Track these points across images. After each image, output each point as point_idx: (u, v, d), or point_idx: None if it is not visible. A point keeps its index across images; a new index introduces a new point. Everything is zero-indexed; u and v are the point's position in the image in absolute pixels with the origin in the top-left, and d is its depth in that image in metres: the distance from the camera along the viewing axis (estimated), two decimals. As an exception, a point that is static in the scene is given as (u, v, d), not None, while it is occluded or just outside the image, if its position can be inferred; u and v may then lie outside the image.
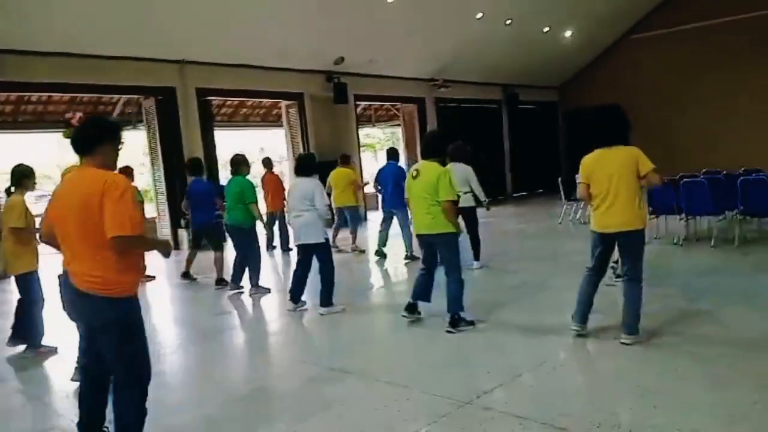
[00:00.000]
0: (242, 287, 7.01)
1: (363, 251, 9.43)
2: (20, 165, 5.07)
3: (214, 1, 9.86)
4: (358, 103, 14.81)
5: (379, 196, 9.11)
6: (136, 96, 11.80)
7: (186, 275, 7.96)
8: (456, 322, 4.86)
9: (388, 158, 8.80)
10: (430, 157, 4.96)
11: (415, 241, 6.26)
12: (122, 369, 2.89)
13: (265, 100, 15.01)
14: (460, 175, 7.10)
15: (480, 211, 7.43)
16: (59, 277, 2.92)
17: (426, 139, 5.26)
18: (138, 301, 2.94)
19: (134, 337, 2.89)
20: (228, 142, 31.53)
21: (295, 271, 5.97)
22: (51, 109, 13.75)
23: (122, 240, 2.73)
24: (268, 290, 6.92)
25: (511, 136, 18.20)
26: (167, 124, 11.00)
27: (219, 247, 7.60)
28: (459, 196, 5.70)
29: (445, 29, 13.43)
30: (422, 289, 5.14)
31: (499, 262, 7.73)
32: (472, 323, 4.91)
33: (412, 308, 5.15)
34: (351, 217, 9.40)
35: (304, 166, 5.93)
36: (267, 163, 10.22)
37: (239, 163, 6.99)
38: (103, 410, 3.13)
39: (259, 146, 25.62)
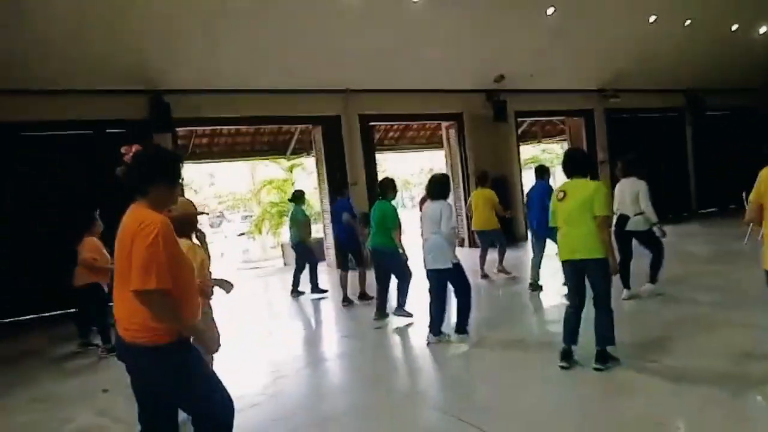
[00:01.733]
0: (387, 314, 6.96)
1: (510, 274, 8.90)
2: None
3: (375, 31, 10.31)
4: (520, 119, 14.42)
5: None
6: (305, 126, 12.74)
7: (346, 299, 8.10)
8: (605, 357, 4.41)
9: (537, 177, 8.16)
10: (577, 176, 4.57)
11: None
12: (193, 415, 2.70)
13: (429, 122, 15.25)
14: (631, 192, 6.54)
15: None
16: None
17: (570, 156, 4.72)
18: (189, 345, 2.67)
19: (191, 383, 2.62)
20: (395, 165, 32.94)
21: (430, 302, 5.75)
22: (239, 140, 15.49)
23: (143, 296, 2.44)
24: (410, 315, 6.77)
25: (696, 146, 16.35)
26: (332, 150, 11.68)
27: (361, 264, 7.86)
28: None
29: (614, 36, 12.55)
30: (576, 333, 4.61)
31: (669, 289, 6.89)
32: (617, 360, 4.46)
33: (568, 355, 4.58)
34: (497, 240, 9.01)
35: (434, 188, 5.79)
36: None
37: (385, 187, 6.99)
38: None
39: (421, 167, 26.12)
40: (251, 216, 24.90)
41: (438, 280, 5.65)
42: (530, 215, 8.07)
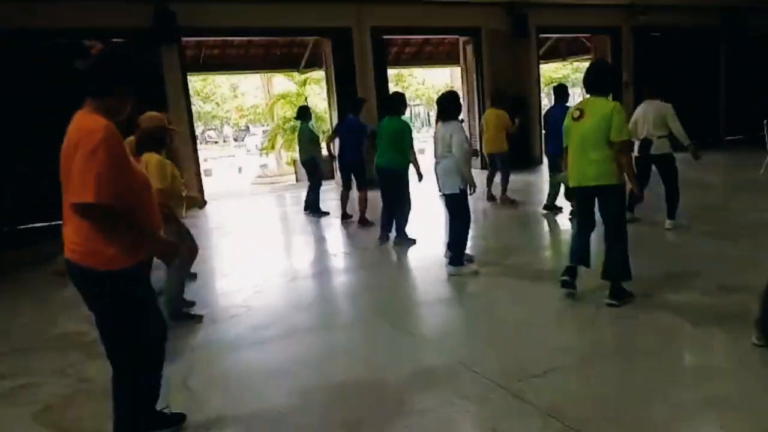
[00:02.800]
0: (388, 236, 6.84)
1: (514, 201, 8.69)
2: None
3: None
4: (543, 36, 13.73)
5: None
6: (316, 38, 12.32)
7: (345, 216, 8.22)
8: (621, 293, 4.23)
9: (556, 98, 7.82)
10: (597, 93, 4.19)
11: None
12: (110, 353, 2.58)
13: (448, 37, 14.61)
14: (655, 115, 6.27)
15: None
16: None
17: (592, 70, 4.28)
18: (137, 274, 2.47)
19: (121, 317, 2.48)
20: (413, 81, 31.96)
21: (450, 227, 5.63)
22: (252, 52, 15.13)
23: (83, 209, 2.24)
24: (414, 241, 6.63)
25: (730, 70, 15.44)
26: (342, 65, 11.33)
27: (363, 186, 7.71)
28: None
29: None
30: (584, 251, 4.40)
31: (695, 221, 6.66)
32: (632, 295, 4.28)
33: (572, 272, 4.40)
34: (502, 164, 8.71)
35: (442, 107, 5.45)
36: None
37: (398, 102, 6.69)
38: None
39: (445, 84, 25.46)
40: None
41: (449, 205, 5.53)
42: (549, 138, 7.79)
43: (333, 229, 8.08)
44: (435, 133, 5.70)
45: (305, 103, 10.51)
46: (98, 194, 2.21)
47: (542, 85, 14.64)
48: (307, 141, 8.98)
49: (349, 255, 6.65)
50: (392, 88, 31.45)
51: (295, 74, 17.12)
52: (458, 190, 5.25)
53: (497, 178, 8.85)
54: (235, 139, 41.24)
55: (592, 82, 4.20)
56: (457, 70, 14.37)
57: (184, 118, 10.24)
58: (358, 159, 7.86)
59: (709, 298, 4.32)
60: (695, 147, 6.20)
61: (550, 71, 27.05)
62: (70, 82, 2.50)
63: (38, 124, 7.75)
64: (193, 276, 5.51)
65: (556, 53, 18.25)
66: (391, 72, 26.65)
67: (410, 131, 6.63)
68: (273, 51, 15.34)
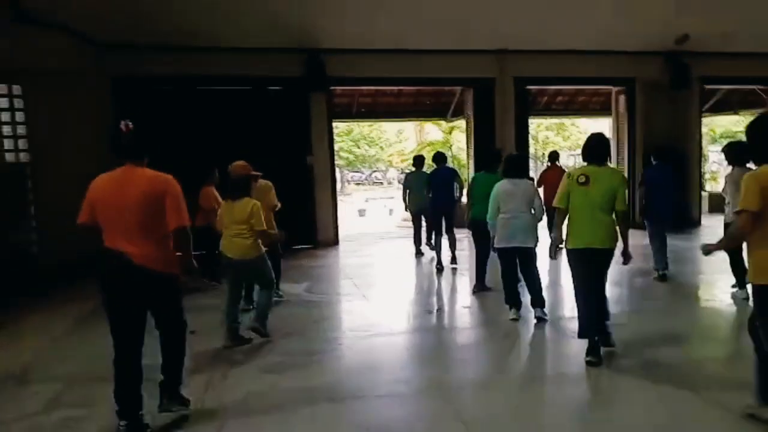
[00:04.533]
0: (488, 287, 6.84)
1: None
2: None
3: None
4: (708, 86, 12.59)
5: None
6: (459, 87, 12.46)
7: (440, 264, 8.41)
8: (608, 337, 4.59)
9: (656, 158, 7.47)
10: (602, 163, 4.51)
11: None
12: (173, 326, 3.64)
13: (601, 87, 14.01)
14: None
15: None
16: None
17: (595, 142, 4.57)
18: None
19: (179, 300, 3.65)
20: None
21: (509, 277, 5.73)
22: (402, 101, 15.71)
23: (183, 231, 3.43)
24: (489, 289, 6.77)
25: None
26: (482, 114, 11.29)
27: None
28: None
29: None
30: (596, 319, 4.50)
31: None
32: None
33: (597, 351, 4.43)
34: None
35: (520, 166, 5.91)
36: (553, 156, 9.75)
37: (494, 159, 6.82)
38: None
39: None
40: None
41: (518, 257, 5.73)
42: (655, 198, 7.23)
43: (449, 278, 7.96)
44: (505, 188, 5.63)
45: (420, 154, 10.81)
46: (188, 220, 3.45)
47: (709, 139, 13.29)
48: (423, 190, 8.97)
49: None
50: (551, 137, 30.48)
51: (443, 122, 17.41)
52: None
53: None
54: (399, 182, 43.18)
55: (598, 154, 4.50)
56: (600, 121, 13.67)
57: (326, 162, 10.85)
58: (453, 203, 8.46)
59: None
60: None
61: (730, 124, 24.56)
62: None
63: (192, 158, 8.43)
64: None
65: (727, 105, 16.62)
66: (551, 121, 26.31)
67: None
68: (421, 100, 15.83)
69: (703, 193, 13.65)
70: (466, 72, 11.14)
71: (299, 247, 10.15)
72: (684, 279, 7.46)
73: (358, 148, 35.03)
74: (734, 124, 24.43)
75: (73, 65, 9.09)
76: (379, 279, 8.26)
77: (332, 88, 10.98)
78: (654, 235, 7.24)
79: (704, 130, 14.09)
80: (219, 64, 9.81)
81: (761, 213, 3.00)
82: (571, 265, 4.50)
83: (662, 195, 7.08)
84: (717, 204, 11.64)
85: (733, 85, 14.06)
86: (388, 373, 4.42)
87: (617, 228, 4.44)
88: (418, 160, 9.56)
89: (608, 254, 4.42)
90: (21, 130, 8.83)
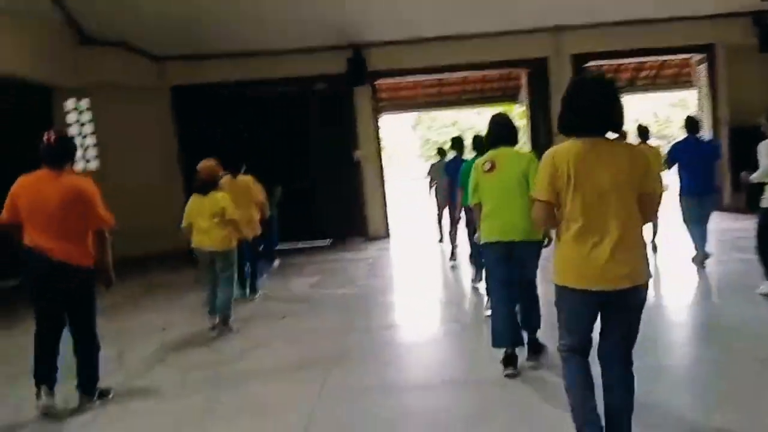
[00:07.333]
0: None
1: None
2: None
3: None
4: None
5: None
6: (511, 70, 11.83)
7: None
8: (538, 346, 4.13)
9: (688, 131, 6.70)
10: (508, 145, 4.09)
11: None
12: (86, 326, 3.87)
13: (670, 58, 12.62)
14: None
15: None
16: None
17: (496, 123, 4.15)
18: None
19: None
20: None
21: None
22: (445, 90, 15.32)
23: (106, 232, 3.77)
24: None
25: None
26: (537, 96, 10.65)
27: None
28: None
29: None
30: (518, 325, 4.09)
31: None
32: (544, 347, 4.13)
33: (513, 360, 3.90)
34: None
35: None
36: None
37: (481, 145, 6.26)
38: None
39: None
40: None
41: None
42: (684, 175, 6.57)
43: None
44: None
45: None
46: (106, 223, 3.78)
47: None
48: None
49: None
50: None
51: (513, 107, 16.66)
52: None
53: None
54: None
55: (502, 135, 4.07)
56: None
57: (374, 155, 10.82)
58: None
59: None
60: None
61: None
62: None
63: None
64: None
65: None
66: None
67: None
68: (487, 86, 15.35)
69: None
70: (519, 54, 10.53)
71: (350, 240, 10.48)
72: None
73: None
74: None
75: (134, 78, 9.90)
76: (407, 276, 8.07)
77: (378, 82, 10.86)
78: (685, 214, 6.52)
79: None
80: (267, 67, 10.13)
81: None
82: (484, 261, 4.13)
83: (691, 171, 6.36)
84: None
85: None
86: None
87: None
88: (446, 149, 9.04)
89: (528, 247, 3.88)
90: (90, 140, 9.85)
